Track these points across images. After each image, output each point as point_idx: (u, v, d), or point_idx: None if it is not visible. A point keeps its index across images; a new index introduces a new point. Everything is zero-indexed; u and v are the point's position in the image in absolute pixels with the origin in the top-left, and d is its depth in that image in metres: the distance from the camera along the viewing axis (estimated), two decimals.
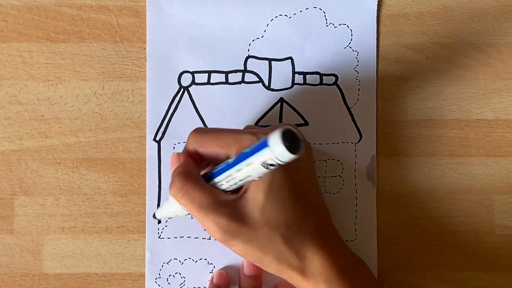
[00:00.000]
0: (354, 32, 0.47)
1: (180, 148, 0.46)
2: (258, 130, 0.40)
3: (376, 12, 0.47)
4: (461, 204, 0.47)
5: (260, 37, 0.47)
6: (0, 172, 0.46)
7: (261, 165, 0.34)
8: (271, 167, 0.34)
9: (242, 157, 0.36)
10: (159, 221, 0.46)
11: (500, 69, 0.47)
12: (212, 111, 0.46)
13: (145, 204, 0.46)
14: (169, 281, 0.46)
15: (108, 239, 0.46)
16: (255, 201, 0.38)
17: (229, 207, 0.38)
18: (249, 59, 0.47)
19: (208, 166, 0.42)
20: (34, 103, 0.46)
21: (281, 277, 0.40)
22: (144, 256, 0.46)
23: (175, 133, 0.46)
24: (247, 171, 0.36)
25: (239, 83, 0.47)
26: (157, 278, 0.46)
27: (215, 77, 0.47)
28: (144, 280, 0.46)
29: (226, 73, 0.47)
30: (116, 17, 0.46)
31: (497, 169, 0.47)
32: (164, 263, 0.46)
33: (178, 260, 0.46)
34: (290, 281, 0.40)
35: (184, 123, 0.46)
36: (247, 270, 0.45)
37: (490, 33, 0.47)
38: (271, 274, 0.46)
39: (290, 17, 0.47)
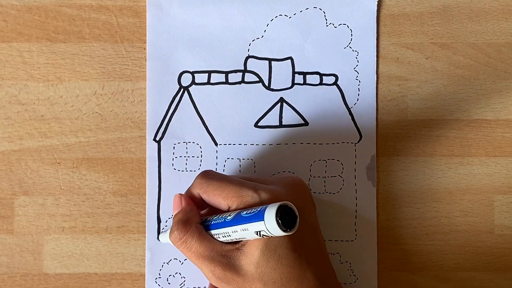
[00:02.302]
0: (354, 32, 0.47)
1: (180, 148, 0.46)
2: (260, 187, 0.39)
3: (376, 12, 0.47)
4: (461, 204, 0.47)
5: (260, 37, 0.47)
6: (0, 172, 0.46)
7: (255, 233, 0.35)
8: (265, 236, 0.35)
9: (239, 220, 0.36)
10: (159, 221, 0.46)
11: (500, 69, 0.47)
12: (212, 111, 0.46)
13: (145, 204, 0.46)
14: (169, 281, 0.46)
15: (108, 239, 0.46)
16: (251, 256, 0.38)
17: (225, 258, 0.38)
18: (249, 59, 0.47)
19: (209, 208, 0.42)
20: (34, 103, 0.46)
21: None
22: (144, 256, 0.46)
23: (175, 133, 0.46)
24: (242, 234, 0.37)
25: (239, 83, 0.47)
26: (157, 278, 0.46)
27: (215, 77, 0.47)
28: (144, 280, 0.46)
29: (226, 73, 0.47)
30: (116, 17, 0.46)
31: (497, 169, 0.47)
32: (164, 263, 0.46)
33: (178, 260, 0.46)
34: None
35: (184, 123, 0.46)
36: None
37: (490, 33, 0.47)
38: None
39: (290, 17, 0.47)
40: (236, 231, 0.37)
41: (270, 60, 0.47)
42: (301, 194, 0.41)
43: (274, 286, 0.38)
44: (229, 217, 0.38)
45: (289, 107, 0.47)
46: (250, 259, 0.38)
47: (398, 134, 0.47)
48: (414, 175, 0.47)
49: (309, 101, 0.47)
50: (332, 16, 0.47)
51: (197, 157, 0.46)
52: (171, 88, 0.46)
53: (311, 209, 0.42)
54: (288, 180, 0.41)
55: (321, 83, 0.47)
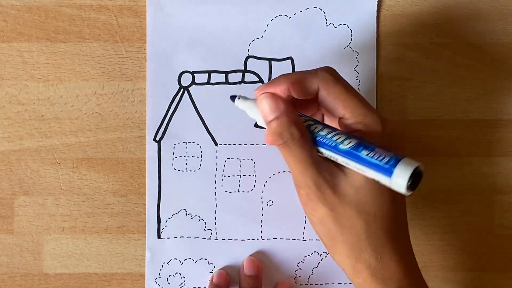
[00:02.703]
0: (354, 32, 0.47)
1: (180, 148, 0.46)
2: (385, 118, 0.36)
3: (376, 12, 0.47)
4: (461, 204, 0.47)
5: (260, 37, 0.47)
6: (0, 172, 0.46)
7: (371, 177, 0.33)
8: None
9: (357, 158, 0.34)
10: (159, 221, 0.46)
11: (499, 69, 0.47)
12: (212, 111, 0.46)
13: (145, 204, 0.46)
14: (169, 281, 0.46)
15: (108, 239, 0.46)
16: (353, 179, 0.35)
17: (327, 172, 0.36)
18: (249, 59, 0.47)
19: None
20: (34, 103, 0.46)
21: (342, 268, 0.37)
22: (144, 256, 0.46)
23: (175, 133, 0.46)
24: (354, 168, 0.34)
25: (239, 83, 0.47)
26: (157, 278, 0.46)
27: (215, 77, 0.47)
28: (144, 280, 0.46)
29: (226, 73, 0.47)
30: (116, 17, 0.46)
31: (497, 169, 0.47)
32: (164, 263, 0.46)
33: (178, 260, 0.46)
34: (348, 274, 0.37)
35: (184, 123, 0.46)
36: (247, 270, 0.45)
37: (490, 33, 0.47)
38: (270, 273, 0.46)
39: (290, 17, 0.47)
40: (348, 164, 0.34)
41: (270, 60, 0.47)
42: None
43: (366, 218, 0.35)
44: (342, 145, 0.35)
45: None
46: (352, 182, 0.35)
47: None
48: None
49: None
50: (332, 16, 0.47)
51: (197, 157, 0.46)
52: (171, 88, 0.46)
53: None
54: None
55: None
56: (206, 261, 0.46)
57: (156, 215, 0.46)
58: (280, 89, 0.37)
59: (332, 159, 0.36)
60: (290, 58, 0.47)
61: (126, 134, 0.46)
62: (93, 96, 0.46)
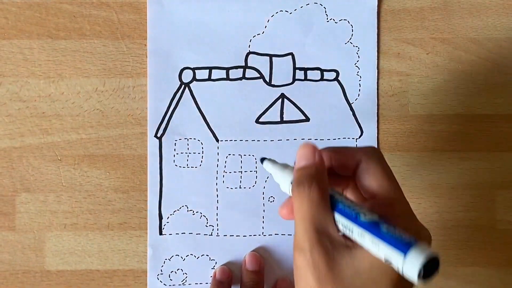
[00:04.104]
0: (354, 27, 0.47)
1: (181, 145, 0.46)
2: (418, 224, 0.34)
3: (376, 8, 0.47)
4: (463, 199, 0.47)
5: (261, 33, 0.47)
6: (1, 169, 0.46)
7: (383, 257, 0.30)
8: (389, 264, 0.30)
9: (376, 231, 0.31)
10: (161, 217, 0.46)
11: (500, 64, 0.47)
12: (213, 107, 0.46)
13: (147, 200, 0.46)
14: (171, 277, 0.46)
15: (110, 236, 0.46)
16: (358, 262, 0.31)
17: (331, 243, 0.32)
18: (250, 55, 0.47)
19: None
20: (35, 100, 0.46)
21: None
22: (146, 252, 0.46)
23: (176, 129, 0.46)
24: (367, 244, 0.31)
25: (240, 79, 0.47)
26: (159, 275, 0.46)
27: (216, 73, 0.47)
28: (146, 276, 0.46)
29: (227, 69, 0.47)
30: (117, 13, 0.46)
31: (498, 164, 0.47)
32: (166, 259, 0.46)
33: (180, 257, 0.46)
34: None
35: (185, 120, 0.46)
36: (249, 265, 0.45)
37: (491, 28, 0.47)
38: (272, 269, 0.46)
39: (290, 13, 0.47)
40: (363, 237, 0.31)
41: (271, 56, 0.47)
42: None
43: None
44: (364, 217, 0.32)
45: (290, 103, 0.47)
46: (354, 264, 0.31)
47: (399, 130, 0.47)
48: (415, 170, 0.47)
49: (310, 96, 0.47)
50: (332, 12, 0.47)
51: (198, 153, 0.46)
52: (172, 84, 0.46)
53: None
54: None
55: (322, 79, 0.47)
56: (208, 257, 0.46)
57: (157, 212, 0.46)
58: (324, 155, 0.35)
59: (346, 232, 0.32)
60: (291, 54, 0.47)
61: (127, 130, 0.46)
62: (94, 93, 0.46)
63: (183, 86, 0.46)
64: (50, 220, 0.46)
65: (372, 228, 0.31)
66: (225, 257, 0.46)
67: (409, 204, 0.34)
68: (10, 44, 0.46)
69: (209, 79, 0.47)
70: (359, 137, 0.47)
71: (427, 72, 0.47)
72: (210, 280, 0.46)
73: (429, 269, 0.29)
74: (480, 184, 0.47)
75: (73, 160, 0.46)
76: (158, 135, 0.46)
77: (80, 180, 0.46)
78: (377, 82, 0.47)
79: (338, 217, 0.33)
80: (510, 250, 0.47)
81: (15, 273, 0.46)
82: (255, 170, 0.46)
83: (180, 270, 0.46)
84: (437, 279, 0.47)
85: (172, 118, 0.46)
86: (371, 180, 0.34)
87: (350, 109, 0.47)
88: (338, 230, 0.33)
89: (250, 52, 0.47)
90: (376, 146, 0.47)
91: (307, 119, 0.47)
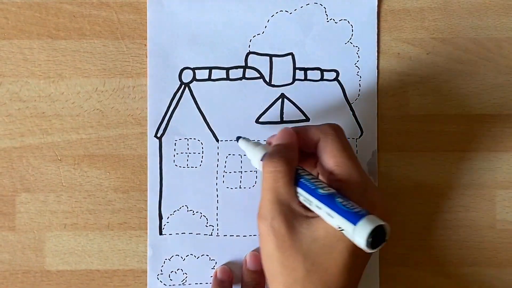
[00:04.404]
0: (354, 27, 0.47)
1: (181, 145, 0.46)
2: (372, 186, 0.37)
3: (376, 8, 0.47)
4: (463, 199, 0.47)
5: (261, 33, 0.47)
6: (1, 169, 0.46)
7: (338, 227, 0.34)
8: (344, 233, 0.34)
9: (332, 204, 0.35)
10: (161, 217, 0.46)
11: (500, 64, 0.47)
12: (213, 108, 0.46)
13: (147, 200, 0.46)
14: (171, 277, 0.46)
15: (110, 236, 0.46)
16: (314, 230, 0.35)
17: (292, 214, 0.36)
18: (250, 55, 0.47)
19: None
20: (35, 100, 0.46)
21: None
22: (146, 252, 0.46)
23: (176, 129, 0.46)
24: (323, 215, 0.35)
25: (240, 79, 0.47)
26: (159, 275, 0.46)
27: (216, 74, 0.47)
28: (146, 276, 0.46)
29: (227, 69, 0.47)
30: (117, 13, 0.46)
31: (498, 164, 0.47)
32: (166, 259, 0.46)
33: (180, 257, 0.46)
34: None
35: (185, 120, 0.46)
36: (250, 265, 0.45)
37: (491, 28, 0.47)
38: None
39: (290, 13, 0.47)
40: (320, 208, 0.35)
41: (271, 56, 0.47)
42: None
43: (311, 267, 0.35)
44: (322, 190, 0.36)
45: (290, 103, 0.47)
46: (311, 232, 0.35)
47: (399, 130, 0.47)
48: (415, 170, 0.47)
49: (310, 97, 0.47)
50: (332, 12, 0.47)
51: (198, 153, 0.46)
52: (172, 84, 0.46)
53: None
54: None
55: (322, 79, 0.47)
56: (208, 257, 0.46)
57: (157, 212, 0.46)
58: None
59: (306, 203, 0.36)
60: (291, 54, 0.47)
61: (127, 130, 0.46)
62: (94, 93, 0.46)
63: (183, 86, 0.46)
64: (50, 220, 0.46)
65: (328, 201, 0.35)
66: (225, 257, 0.46)
67: (367, 177, 0.38)
68: (10, 44, 0.46)
69: (209, 79, 0.47)
70: (359, 137, 0.47)
71: (427, 72, 0.47)
72: (210, 280, 0.46)
73: (379, 238, 0.33)
74: (480, 184, 0.47)
75: (73, 160, 0.46)
76: (158, 135, 0.46)
77: (80, 180, 0.46)
78: (377, 82, 0.47)
79: (300, 191, 0.37)
80: (510, 250, 0.47)
81: (15, 273, 0.46)
82: (255, 170, 0.46)
83: (180, 270, 0.46)
84: (437, 279, 0.47)
85: (172, 118, 0.46)
86: (328, 157, 0.38)
87: (350, 109, 0.47)
88: (300, 202, 0.37)
89: (250, 52, 0.47)
90: (376, 147, 0.47)
91: (307, 119, 0.47)
